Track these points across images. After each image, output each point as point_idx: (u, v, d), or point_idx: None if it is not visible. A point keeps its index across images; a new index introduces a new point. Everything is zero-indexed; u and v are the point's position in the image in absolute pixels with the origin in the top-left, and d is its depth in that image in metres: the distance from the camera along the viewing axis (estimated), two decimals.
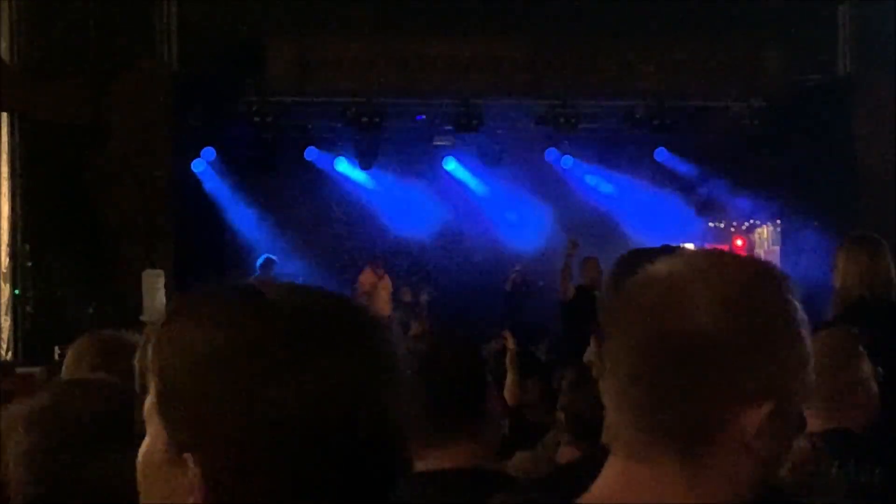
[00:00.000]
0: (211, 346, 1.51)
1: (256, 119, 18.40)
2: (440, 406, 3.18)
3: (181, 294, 1.66)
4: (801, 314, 1.75)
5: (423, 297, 21.09)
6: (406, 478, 3.24)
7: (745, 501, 1.73)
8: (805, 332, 1.75)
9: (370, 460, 1.54)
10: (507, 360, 8.98)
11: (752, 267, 1.79)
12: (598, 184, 21.66)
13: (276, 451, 1.49)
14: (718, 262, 1.77)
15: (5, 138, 16.28)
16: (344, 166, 20.91)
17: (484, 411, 3.28)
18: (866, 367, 4.41)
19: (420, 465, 3.20)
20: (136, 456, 1.61)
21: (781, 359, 1.70)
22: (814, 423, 4.29)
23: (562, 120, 18.75)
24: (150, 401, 1.58)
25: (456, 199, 21.97)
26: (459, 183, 21.84)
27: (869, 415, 4.34)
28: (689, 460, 1.69)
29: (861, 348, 4.44)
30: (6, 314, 15.98)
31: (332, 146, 20.43)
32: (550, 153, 20.55)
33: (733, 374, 1.67)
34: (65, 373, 3.54)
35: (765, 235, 22.20)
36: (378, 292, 19.88)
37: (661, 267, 1.77)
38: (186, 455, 1.51)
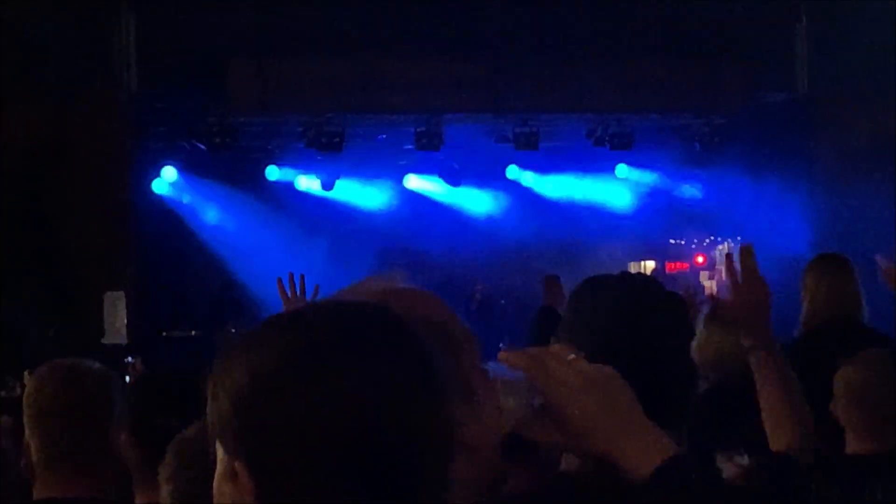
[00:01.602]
0: (264, 359, 1.59)
1: (217, 139, 18.35)
2: None
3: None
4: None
5: None
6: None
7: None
8: None
9: (421, 465, 1.58)
10: None
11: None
12: (559, 200, 21.69)
13: (327, 456, 1.54)
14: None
15: None
16: (304, 186, 20.88)
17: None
18: None
19: None
20: None
21: None
22: (855, 446, 4.30)
23: (522, 138, 18.81)
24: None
25: (417, 216, 21.96)
26: (420, 200, 21.85)
27: None
28: None
29: None
30: None
31: (293, 165, 20.40)
32: (511, 171, 20.60)
33: None
34: (27, 401, 3.52)
35: (725, 251, 22.26)
36: None
37: None
38: (238, 465, 1.57)
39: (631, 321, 2.52)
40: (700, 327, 6.16)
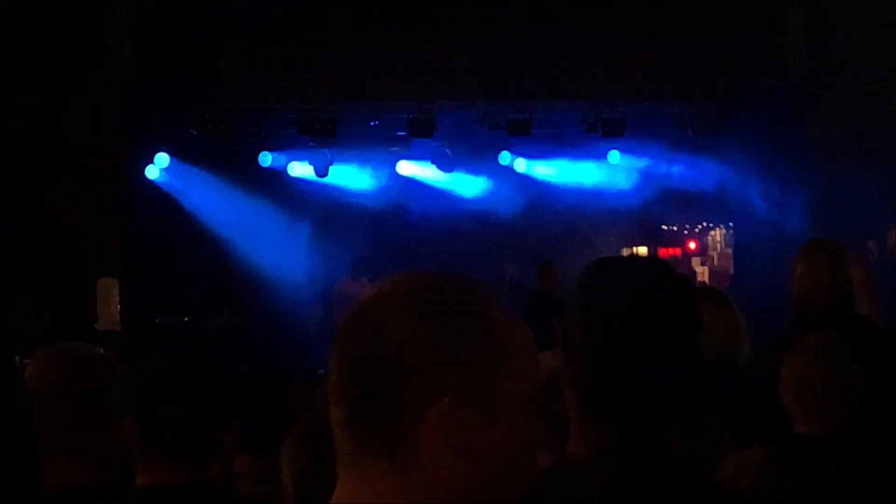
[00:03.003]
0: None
1: (210, 126, 18.37)
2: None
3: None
4: (506, 320, 1.91)
5: None
6: None
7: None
8: (510, 336, 1.89)
9: None
10: None
11: (443, 282, 1.94)
12: (551, 186, 21.68)
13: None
14: (408, 281, 1.93)
15: None
16: (298, 172, 20.86)
17: None
18: (853, 372, 4.43)
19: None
20: None
21: (461, 356, 1.83)
22: (800, 428, 4.34)
23: (514, 124, 18.82)
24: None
25: (410, 202, 21.94)
26: (413, 186, 21.82)
27: (854, 421, 4.36)
28: (394, 464, 1.83)
29: (847, 353, 4.45)
30: None
31: (287, 152, 20.40)
32: (504, 157, 20.60)
33: (414, 374, 1.82)
34: (28, 385, 3.53)
35: (718, 238, 22.32)
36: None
37: (363, 295, 1.97)
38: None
39: (646, 303, 2.51)
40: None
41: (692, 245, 22.50)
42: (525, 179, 21.39)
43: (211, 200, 20.12)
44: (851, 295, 5.90)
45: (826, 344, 4.47)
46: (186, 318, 17.92)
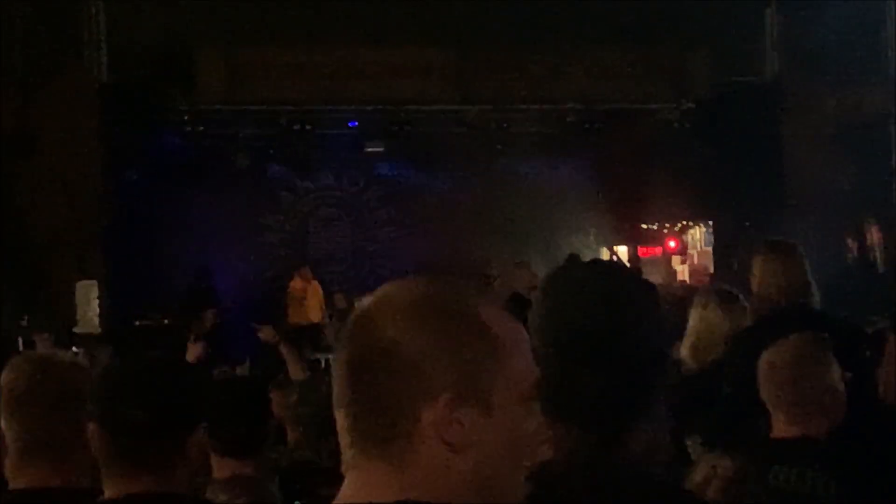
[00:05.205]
0: None
1: (187, 128, 18.38)
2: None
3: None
4: (500, 322, 1.94)
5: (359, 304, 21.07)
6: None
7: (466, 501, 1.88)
8: (504, 336, 1.92)
9: None
10: None
11: (439, 287, 1.97)
12: (529, 186, 21.67)
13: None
14: (404, 286, 1.97)
15: None
16: (276, 173, 20.86)
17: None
18: (834, 373, 4.42)
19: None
20: None
21: (455, 356, 1.87)
22: (778, 429, 4.34)
23: (492, 125, 18.85)
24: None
25: (389, 204, 21.97)
26: (393, 188, 21.84)
27: (833, 422, 4.35)
28: (393, 463, 1.87)
29: (829, 354, 4.45)
30: None
31: (264, 153, 20.39)
32: (482, 157, 20.60)
33: (409, 376, 1.86)
34: (2, 390, 3.54)
35: (697, 236, 22.37)
36: (308, 298, 19.94)
37: (363, 302, 1.99)
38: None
39: (604, 307, 2.53)
40: (702, 312, 6.25)
41: (672, 244, 22.54)
42: (503, 179, 21.39)
43: (188, 202, 20.08)
44: (809, 292, 5.94)
45: (809, 343, 4.47)
46: (166, 321, 17.88)
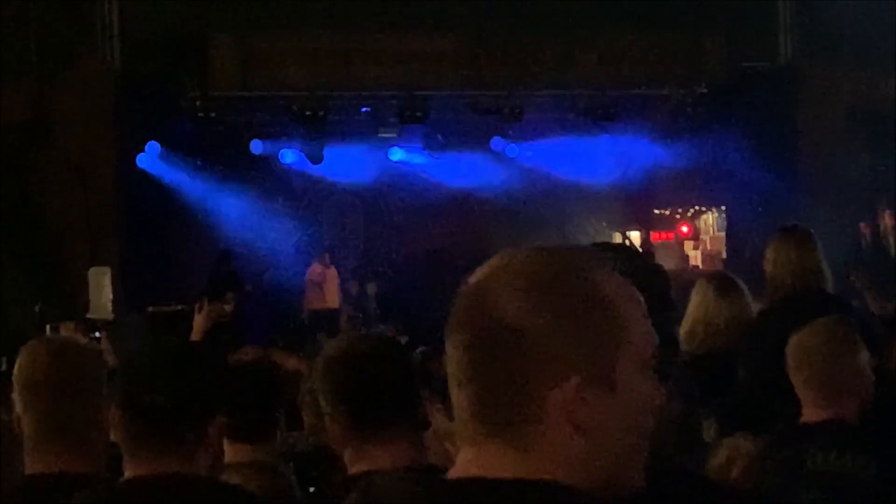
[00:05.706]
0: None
1: (200, 114, 18.40)
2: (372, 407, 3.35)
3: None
4: (617, 292, 1.90)
5: (371, 290, 21.13)
6: (347, 479, 3.32)
7: (588, 482, 1.85)
8: (623, 308, 1.89)
9: None
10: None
11: (553, 259, 1.95)
12: (543, 171, 21.67)
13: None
14: (518, 259, 1.93)
15: None
16: (290, 159, 20.87)
17: (415, 415, 3.41)
18: (863, 356, 4.43)
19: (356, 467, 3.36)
20: None
21: (581, 337, 1.85)
22: (809, 412, 4.35)
23: (506, 110, 18.82)
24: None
25: (402, 188, 21.98)
26: (406, 174, 21.84)
27: (864, 404, 4.37)
28: (516, 442, 1.84)
29: (858, 337, 4.46)
30: None
31: (278, 139, 20.40)
32: (496, 142, 20.59)
33: (537, 358, 1.83)
34: (19, 376, 3.55)
35: (710, 221, 22.32)
36: (327, 283, 20.03)
37: (474, 275, 1.94)
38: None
39: None
40: (701, 298, 6.25)
41: (684, 229, 22.50)
42: (516, 164, 21.40)
43: (202, 188, 20.13)
44: (823, 278, 5.96)
45: (840, 326, 4.48)
46: (181, 307, 17.88)
